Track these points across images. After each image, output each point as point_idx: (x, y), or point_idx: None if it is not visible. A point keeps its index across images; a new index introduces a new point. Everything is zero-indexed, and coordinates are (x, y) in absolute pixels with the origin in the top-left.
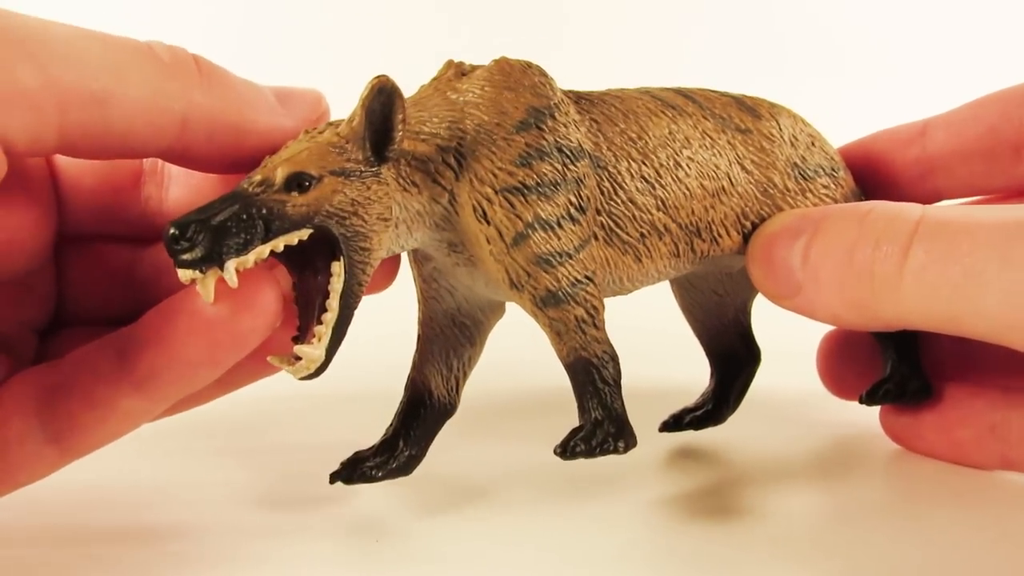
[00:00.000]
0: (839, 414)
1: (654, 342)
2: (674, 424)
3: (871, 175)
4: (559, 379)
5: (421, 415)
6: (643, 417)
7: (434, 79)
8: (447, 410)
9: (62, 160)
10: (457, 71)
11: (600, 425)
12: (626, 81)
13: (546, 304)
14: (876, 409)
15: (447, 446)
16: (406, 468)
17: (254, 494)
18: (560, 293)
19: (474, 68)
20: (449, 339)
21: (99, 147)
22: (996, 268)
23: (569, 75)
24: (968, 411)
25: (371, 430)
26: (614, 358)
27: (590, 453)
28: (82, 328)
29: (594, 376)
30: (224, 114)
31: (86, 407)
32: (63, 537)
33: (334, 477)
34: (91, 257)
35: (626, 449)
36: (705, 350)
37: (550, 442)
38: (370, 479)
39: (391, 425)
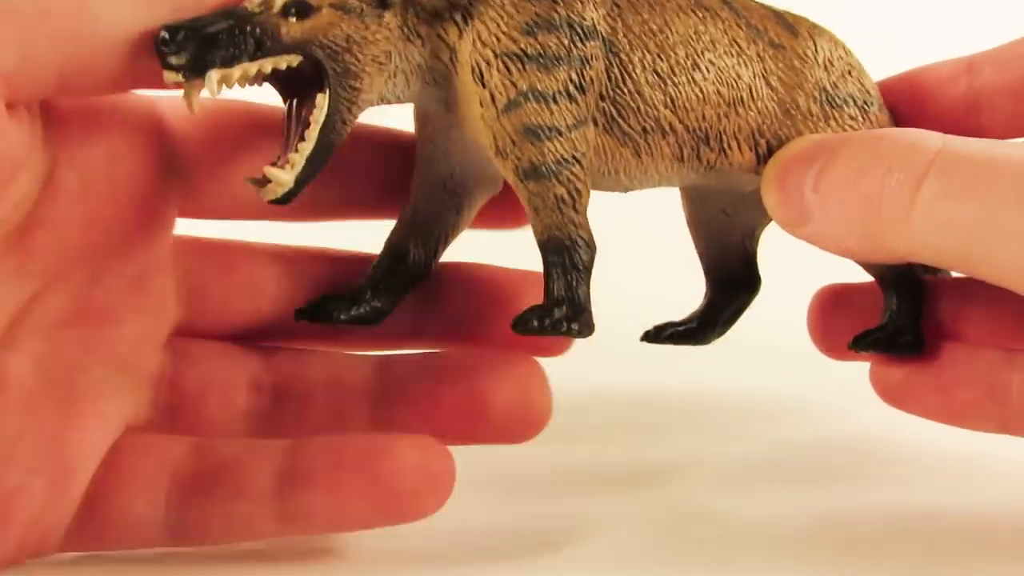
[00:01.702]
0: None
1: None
2: (655, 335)
3: (913, 110)
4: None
5: (394, 272)
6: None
7: None
8: (420, 273)
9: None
10: None
11: (559, 305)
12: None
13: (527, 176)
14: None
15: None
16: (372, 318)
17: None
18: (543, 168)
19: None
20: (436, 204)
21: (99, 60)
22: (1016, 211)
23: None
24: (968, 372)
25: None
26: (589, 244)
27: (542, 330)
28: (207, 344)
29: (564, 257)
30: None
31: (220, 518)
32: None
33: (299, 314)
34: (209, 260)
35: (580, 334)
36: (703, 268)
37: (550, 442)
38: (332, 320)
39: (363, 275)
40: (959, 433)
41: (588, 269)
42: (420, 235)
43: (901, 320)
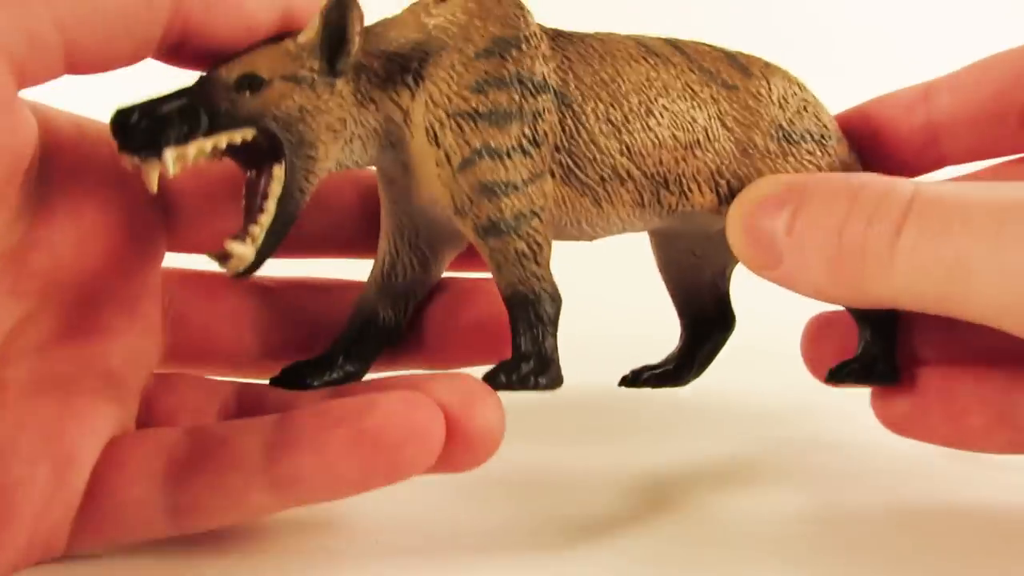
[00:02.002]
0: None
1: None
2: (632, 380)
3: (872, 141)
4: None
5: (364, 335)
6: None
7: (413, 3)
8: (391, 334)
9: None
10: None
11: (526, 359)
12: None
13: (487, 233)
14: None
15: None
16: (346, 380)
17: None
18: (502, 224)
19: None
20: (403, 264)
21: (100, 35)
22: (987, 250)
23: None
24: (977, 398)
25: None
26: (553, 297)
27: (510, 385)
28: (192, 371)
29: (529, 311)
30: None
31: (215, 492)
32: None
33: (273, 382)
34: (193, 290)
35: (547, 387)
36: (677, 310)
37: (550, 442)
38: (306, 387)
39: (334, 340)
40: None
41: (553, 321)
42: (388, 297)
43: (875, 350)
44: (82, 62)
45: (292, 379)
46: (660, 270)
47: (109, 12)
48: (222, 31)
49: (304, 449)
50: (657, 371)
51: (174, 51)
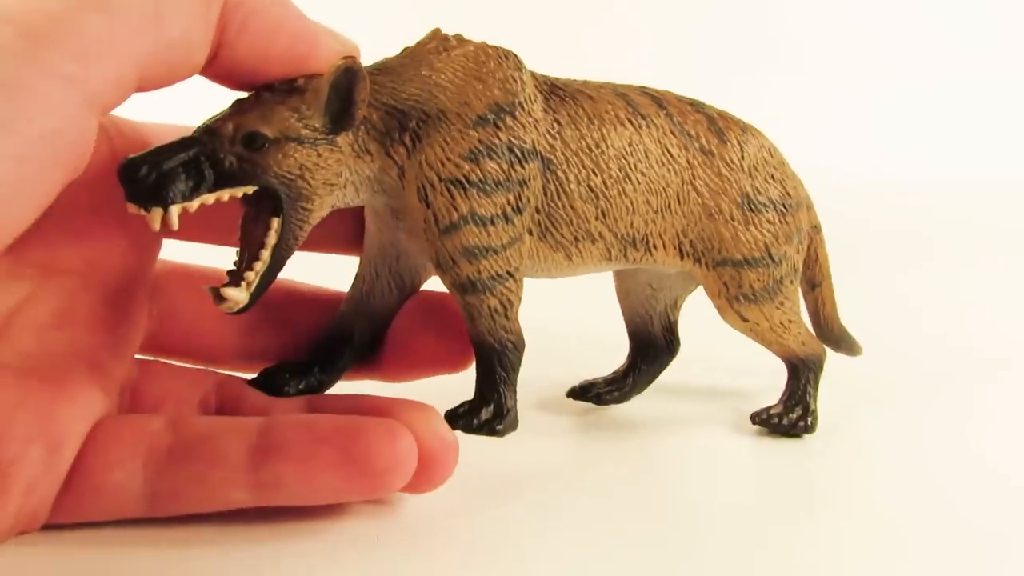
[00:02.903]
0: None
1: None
2: (580, 393)
3: None
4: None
5: (339, 350)
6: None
7: (417, 45)
8: (364, 349)
9: None
10: (441, 44)
11: (486, 405)
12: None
13: (464, 291)
14: None
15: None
16: (317, 389)
17: None
18: (478, 283)
19: (460, 44)
20: (382, 285)
21: (165, 65)
22: None
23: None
24: None
25: None
26: (517, 346)
27: (468, 429)
28: (170, 361)
29: (494, 361)
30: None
31: (195, 485)
32: None
33: (252, 383)
34: (187, 285)
35: (502, 433)
36: (628, 333)
37: (551, 442)
38: (281, 393)
39: (310, 349)
40: (956, 432)
41: (515, 369)
42: (366, 317)
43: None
44: (146, 87)
45: (270, 383)
46: (618, 297)
47: (174, 41)
48: (251, 59)
49: (289, 458)
50: (603, 389)
51: (216, 71)
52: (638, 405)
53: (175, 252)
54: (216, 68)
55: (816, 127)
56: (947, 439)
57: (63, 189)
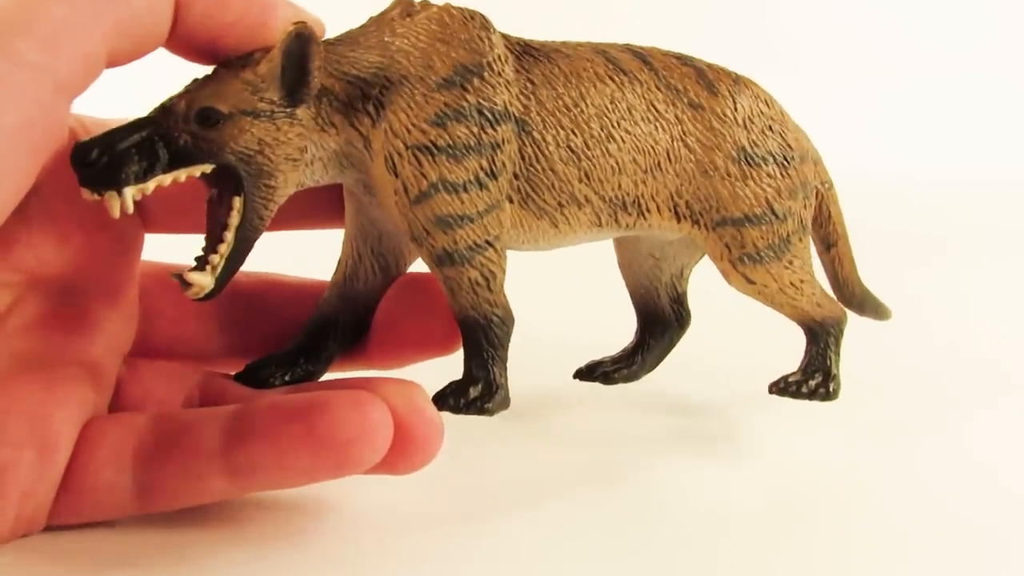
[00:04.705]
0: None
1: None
2: (587, 373)
3: None
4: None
5: (324, 337)
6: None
7: (380, 14)
8: (351, 335)
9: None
10: (404, 9)
11: (474, 383)
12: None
13: (442, 263)
14: None
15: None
16: (304, 379)
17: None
18: (456, 255)
19: (424, 7)
20: (365, 269)
21: (132, 39)
22: None
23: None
24: None
25: None
26: (504, 319)
27: (456, 409)
28: (154, 360)
29: (479, 336)
30: None
31: (178, 476)
32: None
33: (237, 377)
34: (169, 285)
35: (493, 411)
36: (634, 307)
37: (550, 442)
38: (268, 386)
39: (295, 339)
40: (954, 432)
41: (504, 344)
42: (349, 301)
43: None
44: (115, 63)
45: (254, 376)
46: (621, 269)
47: (138, 11)
48: (207, 28)
49: (259, 438)
50: (610, 367)
51: (177, 42)
52: (648, 385)
53: (161, 249)
54: (176, 39)
55: (817, 127)
56: (948, 439)
57: (48, 198)
